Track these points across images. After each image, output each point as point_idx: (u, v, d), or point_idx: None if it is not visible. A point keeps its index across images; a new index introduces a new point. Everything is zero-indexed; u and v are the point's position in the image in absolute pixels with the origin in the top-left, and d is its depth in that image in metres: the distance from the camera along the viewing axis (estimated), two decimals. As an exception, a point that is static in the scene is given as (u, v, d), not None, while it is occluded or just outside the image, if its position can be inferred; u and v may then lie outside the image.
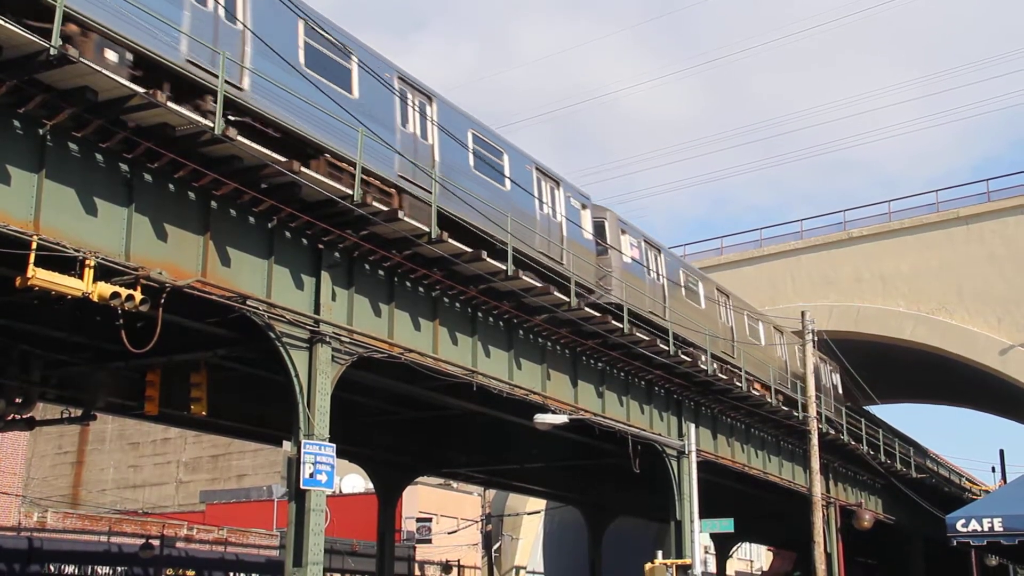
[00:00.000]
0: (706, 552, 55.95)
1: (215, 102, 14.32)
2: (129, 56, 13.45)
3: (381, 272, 19.06)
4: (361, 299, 18.50)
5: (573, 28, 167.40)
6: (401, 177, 18.32)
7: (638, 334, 24.63)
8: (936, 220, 47.77)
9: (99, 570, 32.48)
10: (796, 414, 32.39)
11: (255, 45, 15.44)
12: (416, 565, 46.72)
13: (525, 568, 53.27)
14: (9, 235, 12.88)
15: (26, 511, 39.42)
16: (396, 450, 31.41)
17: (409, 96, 19.11)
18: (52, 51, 12.04)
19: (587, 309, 22.67)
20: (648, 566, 25.20)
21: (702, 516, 25.95)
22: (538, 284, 21.03)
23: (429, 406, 26.40)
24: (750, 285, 48.87)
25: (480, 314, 21.62)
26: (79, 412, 22.93)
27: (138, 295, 14.00)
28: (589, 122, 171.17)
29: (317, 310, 17.32)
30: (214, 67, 14.51)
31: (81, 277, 13.50)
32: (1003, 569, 45.68)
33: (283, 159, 15.35)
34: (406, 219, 17.49)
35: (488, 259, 19.36)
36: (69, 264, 13.46)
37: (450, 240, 18.61)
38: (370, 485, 38.40)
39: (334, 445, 17.18)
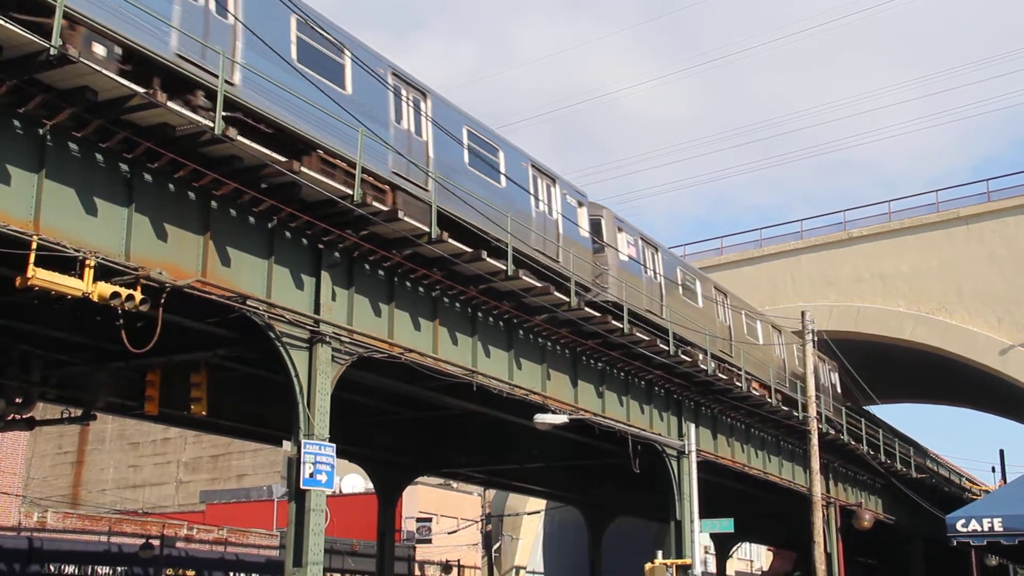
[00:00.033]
0: (706, 552, 55.93)
1: (206, 97, 14.28)
2: (118, 50, 13.36)
3: (381, 272, 19.05)
4: (361, 299, 18.50)
5: (573, 28, 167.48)
6: (395, 174, 18.20)
7: (638, 334, 24.63)
8: (936, 220, 47.77)
9: (99, 570, 32.46)
10: (796, 414, 32.37)
11: (247, 40, 15.29)
12: (416, 565, 46.69)
13: (525, 568, 53.24)
14: (9, 235, 12.88)
15: (26, 511, 39.38)
16: (396, 450, 31.40)
17: (403, 92, 18.93)
18: (52, 51, 12.03)
19: (587, 309, 22.65)
20: (648, 566, 25.19)
21: (702, 516, 25.92)
22: (538, 284, 21.02)
23: (429, 406, 26.39)
24: (750, 285, 48.85)
25: (480, 314, 21.61)
26: (79, 412, 22.93)
27: (138, 295, 14.01)
28: (589, 122, 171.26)
29: (317, 310, 17.32)
30: (204, 62, 14.41)
31: (81, 277, 13.50)
32: (1003, 569, 45.64)
33: (283, 159, 15.33)
34: (406, 219, 17.46)
35: (488, 259, 19.34)
36: (69, 264, 13.45)
37: (450, 240, 18.60)
38: (370, 485, 38.39)
39: (334, 445, 17.18)
